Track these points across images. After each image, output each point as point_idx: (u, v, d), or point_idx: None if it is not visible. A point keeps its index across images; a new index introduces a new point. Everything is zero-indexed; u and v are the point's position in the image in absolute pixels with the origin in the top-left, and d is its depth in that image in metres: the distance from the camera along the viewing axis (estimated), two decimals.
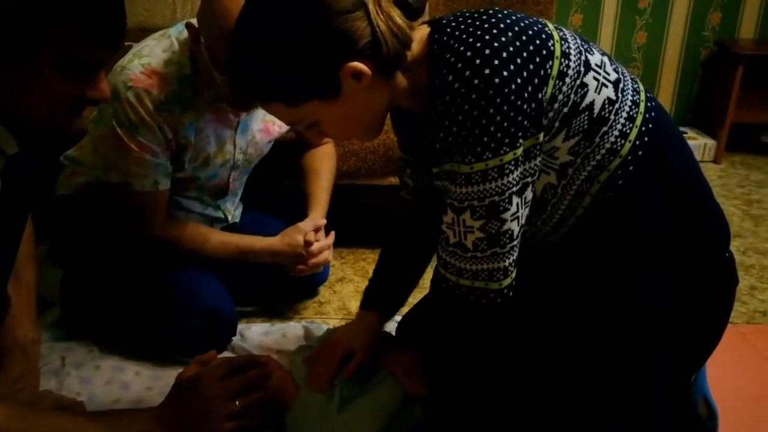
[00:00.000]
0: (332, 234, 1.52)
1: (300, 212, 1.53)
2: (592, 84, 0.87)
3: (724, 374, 1.25)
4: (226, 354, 1.38)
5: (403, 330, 1.28)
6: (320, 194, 1.55)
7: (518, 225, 0.87)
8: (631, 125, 0.89)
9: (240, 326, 1.45)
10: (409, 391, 1.12)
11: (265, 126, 1.47)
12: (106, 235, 1.39)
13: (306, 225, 1.45)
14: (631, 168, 0.90)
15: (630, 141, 0.89)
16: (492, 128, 0.80)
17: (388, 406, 1.11)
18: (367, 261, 1.86)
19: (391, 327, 1.36)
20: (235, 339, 1.42)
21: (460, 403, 0.98)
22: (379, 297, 1.21)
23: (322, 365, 1.15)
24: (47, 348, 1.35)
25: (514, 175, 0.84)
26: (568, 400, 0.98)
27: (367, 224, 1.79)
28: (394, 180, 1.82)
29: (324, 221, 1.50)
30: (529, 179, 0.87)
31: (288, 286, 1.57)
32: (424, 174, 1.01)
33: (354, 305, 1.59)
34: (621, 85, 0.90)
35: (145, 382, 1.30)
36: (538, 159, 0.87)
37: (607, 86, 0.88)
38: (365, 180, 1.86)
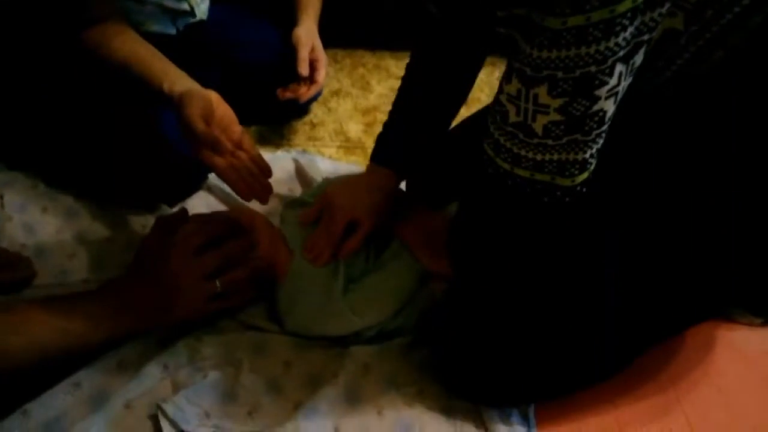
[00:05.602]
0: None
1: (284, 6, 1.22)
2: None
3: None
4: (202, 195, 1.15)
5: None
6: None
7: (614, 103, 0.59)
8: None
9: None
10: (428, 268, 0.92)
11: None
12: (24, 40, 1.06)
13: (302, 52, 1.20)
14: None
15: None
16: None
17: (404, 287, 0.90)
18: (367, 68, 1.50)
19: None
20: (212, 176, 1.17)
21: (491, 287, 0.79)
22: (396, 149, 0.94)
23: (321, 236, 0.93)
24: None
25: (626, 34, 0.54)
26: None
27: (367, 20, 1.47)
28: None
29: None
30: (646, 36, 0.57)
31: (271, 103, 1.28)
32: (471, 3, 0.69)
33: (353, 128, 1.31)
34: None
35: (104, 232, 1.06)
36: (668, 4, 0.56)
37: None
38: None
